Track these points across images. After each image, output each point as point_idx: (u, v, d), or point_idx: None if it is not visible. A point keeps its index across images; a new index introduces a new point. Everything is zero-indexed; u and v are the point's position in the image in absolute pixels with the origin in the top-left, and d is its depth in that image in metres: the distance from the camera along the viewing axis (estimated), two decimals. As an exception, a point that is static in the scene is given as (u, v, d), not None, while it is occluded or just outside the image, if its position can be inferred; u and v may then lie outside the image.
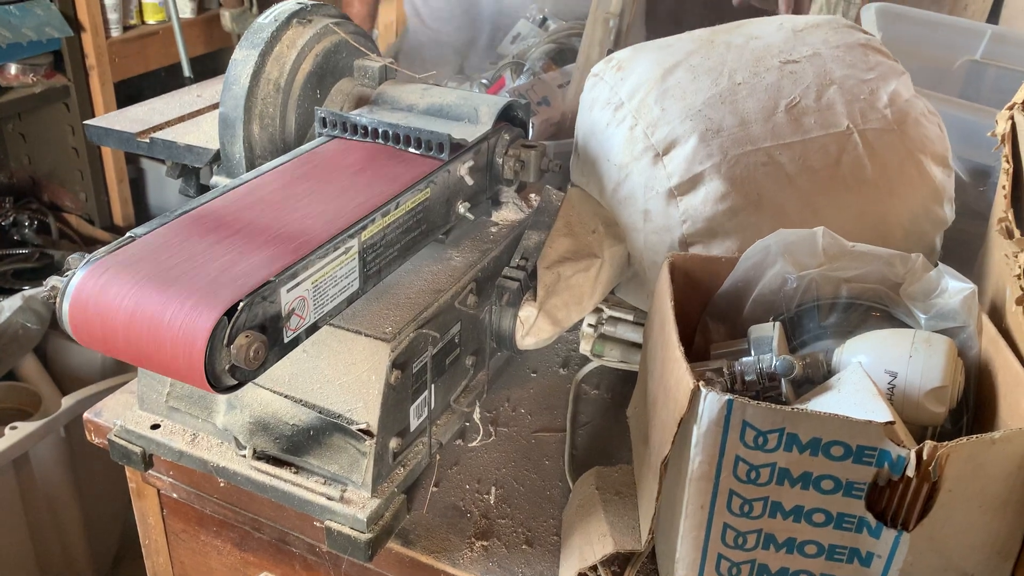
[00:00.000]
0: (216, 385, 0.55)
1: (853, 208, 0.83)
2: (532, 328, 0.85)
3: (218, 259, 0.61)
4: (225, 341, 0.55)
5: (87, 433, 0.87)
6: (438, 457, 0.84)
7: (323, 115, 0.84)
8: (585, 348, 0.98)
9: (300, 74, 0.87)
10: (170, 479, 0.86)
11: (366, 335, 0.72)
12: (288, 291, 0.61)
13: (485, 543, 0.75)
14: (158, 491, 0.90)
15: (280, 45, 0.86)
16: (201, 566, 0.93)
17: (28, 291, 1.72)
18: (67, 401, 1.57)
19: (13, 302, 1.69)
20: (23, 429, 1.50)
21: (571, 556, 0.72)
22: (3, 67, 1.95)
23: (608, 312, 0.96)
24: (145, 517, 0.93)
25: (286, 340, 0.62)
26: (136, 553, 0.96)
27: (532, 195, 0.96)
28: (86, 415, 0.86)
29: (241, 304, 0.56)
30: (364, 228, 0.68)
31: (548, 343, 0.88)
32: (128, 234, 0.64)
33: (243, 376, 0.57)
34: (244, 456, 0.76)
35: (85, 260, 0.60)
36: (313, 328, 0.65)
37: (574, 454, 0.86)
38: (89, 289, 0.59)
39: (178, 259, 0.61)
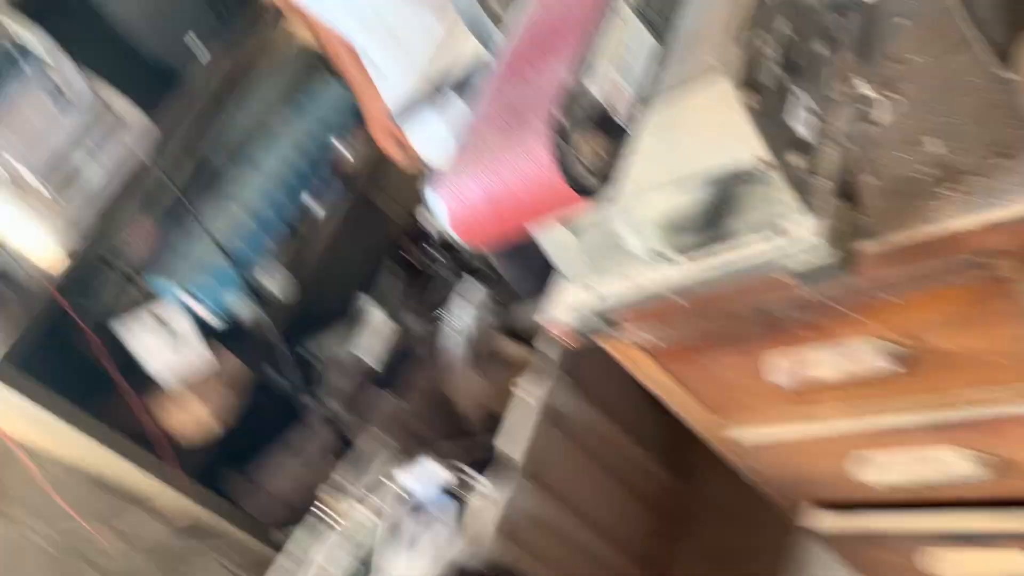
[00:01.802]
0: (582, 190, 0.55)
1: None
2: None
3: (516, 101, 0.61)
4: (568, 155, 0.55)
5: (554, 337, 0.92)
6: (852, 148, 0.75)
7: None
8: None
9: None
10: (639, 330, 0.88)
11: (695, 79, 0.67)
12: (593, 82, 0.58)
13: (954, 185, 0.65)
14: (639, 346, 0.92)
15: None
16: (717, 380, 0.93)
17: (476, 293, 1.93)
18: (547, 347, 1.71)
19: (472, 313, 1.91)
20: (530, 389, 1.66)
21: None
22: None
23: None
24: (648, 376, 0.96)
25: (622, 124, 0.59)
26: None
27: None
28: (541, 321, 0.91)
29: (558, 115, 0.55)
30: (625, -12, 0.64)
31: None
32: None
33: (603, 172, 0.56)
34: (678, 263, 0.75)
35: (430, 184, 0.64)
36: (640, 102, 0.62)
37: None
38: (450, 202, 0.62)
39: (486, 123, 0.62)
